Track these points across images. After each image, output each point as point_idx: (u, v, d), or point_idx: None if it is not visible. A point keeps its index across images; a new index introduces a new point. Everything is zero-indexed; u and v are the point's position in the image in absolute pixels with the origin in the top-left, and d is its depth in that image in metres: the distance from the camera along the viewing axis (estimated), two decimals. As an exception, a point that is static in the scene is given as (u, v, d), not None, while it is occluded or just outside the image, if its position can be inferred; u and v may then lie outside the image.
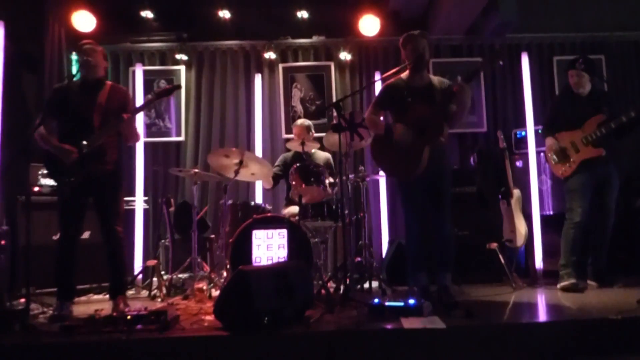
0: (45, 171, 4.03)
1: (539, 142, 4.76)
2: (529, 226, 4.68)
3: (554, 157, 4.10)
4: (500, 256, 4.35)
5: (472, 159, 5.36)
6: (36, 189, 4.47)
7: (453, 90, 3.37)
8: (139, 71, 5.51)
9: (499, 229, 4.73)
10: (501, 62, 3.36)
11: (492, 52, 3.39)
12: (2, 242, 3.72)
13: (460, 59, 6.03)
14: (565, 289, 3.84)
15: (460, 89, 3.35)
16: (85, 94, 3.58)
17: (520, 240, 4.59)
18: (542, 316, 3.17)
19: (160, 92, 3.65)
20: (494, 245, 4.38)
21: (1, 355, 2.52)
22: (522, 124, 5.34)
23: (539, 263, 4.64)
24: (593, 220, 4.03)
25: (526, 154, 5.12)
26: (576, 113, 4.05)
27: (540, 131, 4.57)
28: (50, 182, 4.49)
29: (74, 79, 3.81)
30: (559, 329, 2.70)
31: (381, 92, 3.66)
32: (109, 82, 3.73)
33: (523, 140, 5.35)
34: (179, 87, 3.80)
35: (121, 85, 5.90)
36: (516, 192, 4.70)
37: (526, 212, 4.75)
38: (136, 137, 3.81)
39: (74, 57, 5.70)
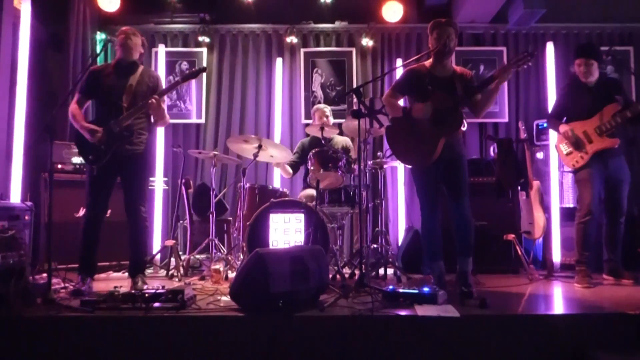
0: (75, 149, 4.12)
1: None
2: (548, 218, 4.63)
3: (566, 147, 3.98)
4: (518, 248, 4.33)
5: (492, 149, 5.30)
6: (59, 166, 4.55)
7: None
8: (161, 52, 5.55)
9: (517, 220, 4.69)
10: (530, 64, 3.32)
11: (526, 53, 3.33)
12: (26, 218, 3.80)
13: (483, 48, 5.97)
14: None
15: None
16: (118, 75, 3.64)
17: (538, 232, 4.54)
18: (558, 309, 3.15)
19: (187, 75, 3.75)
20: (512, 236, 4.36)
21: (24, 326, 2.60)
22: (544, 115, 5.26)
23: (556, 256, 4.60)
24: (605, 214, 3.97)
25: (547, 146, 5.06)
26: (586, 103, 3.93)
27: (546, 123, 4.48)
28: (79, 160, 4.57)
29: (109, 61, 3.87)
30: (574, 322, 2.69)
31: (403, 75, 3.62)
32: (141, 66, 3.77)
33: (544, 132, 5.29)
34: (205, 69, 3.85)
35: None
36: (536, 184, 4.65)
37: (545, 204, 4.70)
38: (165, 120, 3.85)
39: (98, 36, 5.76)
